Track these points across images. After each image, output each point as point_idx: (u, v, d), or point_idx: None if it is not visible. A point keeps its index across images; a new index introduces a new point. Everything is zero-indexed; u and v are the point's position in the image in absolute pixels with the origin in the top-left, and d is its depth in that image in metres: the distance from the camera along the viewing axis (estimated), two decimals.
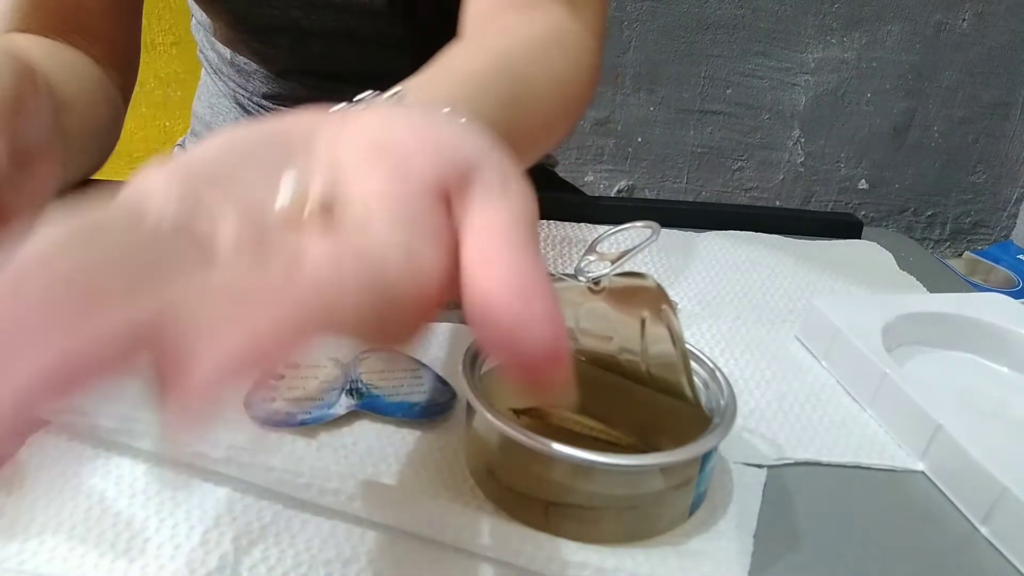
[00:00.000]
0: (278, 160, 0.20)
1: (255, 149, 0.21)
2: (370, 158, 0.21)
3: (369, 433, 0.33)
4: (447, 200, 0.20)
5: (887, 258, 0.57)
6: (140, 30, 0.63)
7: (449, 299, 0.20)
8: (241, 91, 0.72)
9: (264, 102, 0.71)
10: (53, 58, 0.51)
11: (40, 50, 0.51)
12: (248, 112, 0.72)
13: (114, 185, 0.56)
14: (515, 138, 0.35)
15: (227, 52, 0.70)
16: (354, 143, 0.21)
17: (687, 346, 0.31)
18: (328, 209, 0.19)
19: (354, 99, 0.25)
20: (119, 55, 0.57)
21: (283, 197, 0.20)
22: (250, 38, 0.66)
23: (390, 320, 0.18)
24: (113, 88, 0.56)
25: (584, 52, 0.50)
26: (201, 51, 0.75)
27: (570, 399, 0.19)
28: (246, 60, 0.69)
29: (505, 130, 0.33)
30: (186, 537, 0.28)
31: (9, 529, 0.27)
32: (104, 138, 0.55)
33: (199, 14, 0.70)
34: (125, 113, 0.59)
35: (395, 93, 0.28)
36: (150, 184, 0.19)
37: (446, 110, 0.26)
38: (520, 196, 0.21)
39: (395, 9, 0.35)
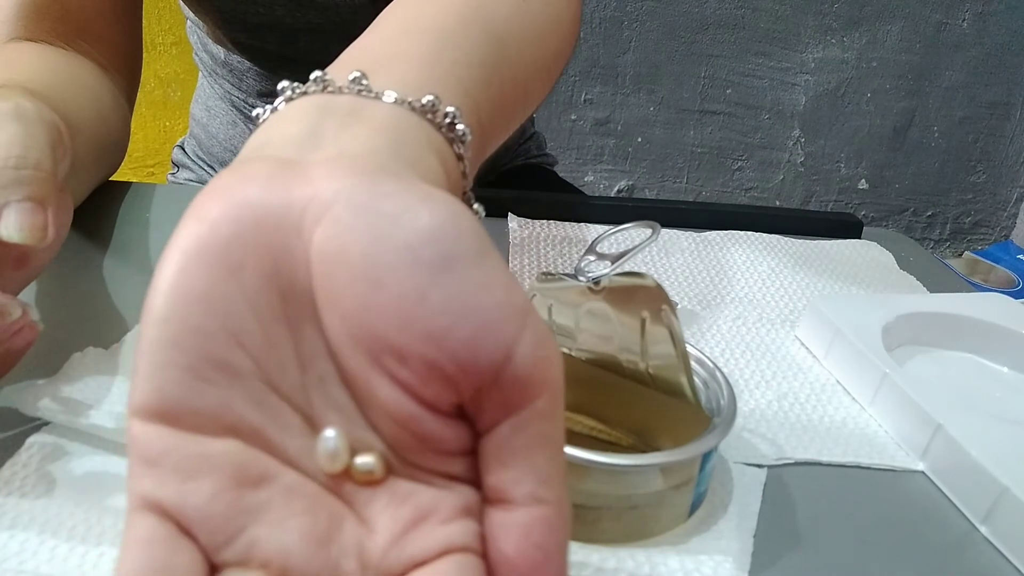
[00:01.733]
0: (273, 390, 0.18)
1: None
2: (367, 359, 0.18)
3: None
4: (452, 406, 0.18)
5: (887, 258, 0.57)
6: (141, 32, 0.63)
7: None
8: (236, 92, 0.72)
9: (258, 102, 0.71)
10: (61, 75, 0.51)
11: (47, 66, 0.51)
12: (243, 113, 0.72)
13: (117, 186, 0.56)
14: (498, 106, 0.34)
15: (220, 52, 0.70)
16: (340, 315, 0.18)
17: (687, 346, 0.31)
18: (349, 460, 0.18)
19: (306, 82, 0.24)
20: (123, 58, 0.57)
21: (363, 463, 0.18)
22: (239, 36, 0.66)
23: None
24: (120, 96, 0.56)
25: (565, 8, 0.47)
26: (196, 53, 0.75)
27: None
28: (239, 59, 0.69)
29: (488, 100, 0.31)
30: None
31: (9, 529, 0.27)
32: (113, 151, 0.55)
33: (192, 16, 0.70)
34: (131, 117, 0.60)
35: (355, 79, 0.24)
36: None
37: (428, 98, 0.24)
38: (551, 416, 0.18)
39: (377, 6, 0.34)
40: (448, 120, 0.25)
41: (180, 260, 0.17)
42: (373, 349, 0.17)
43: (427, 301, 0.17)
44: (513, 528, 0.17)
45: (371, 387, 0.18)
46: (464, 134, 0.26)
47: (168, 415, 0.17)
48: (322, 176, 0.19)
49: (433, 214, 0.18)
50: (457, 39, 0.31)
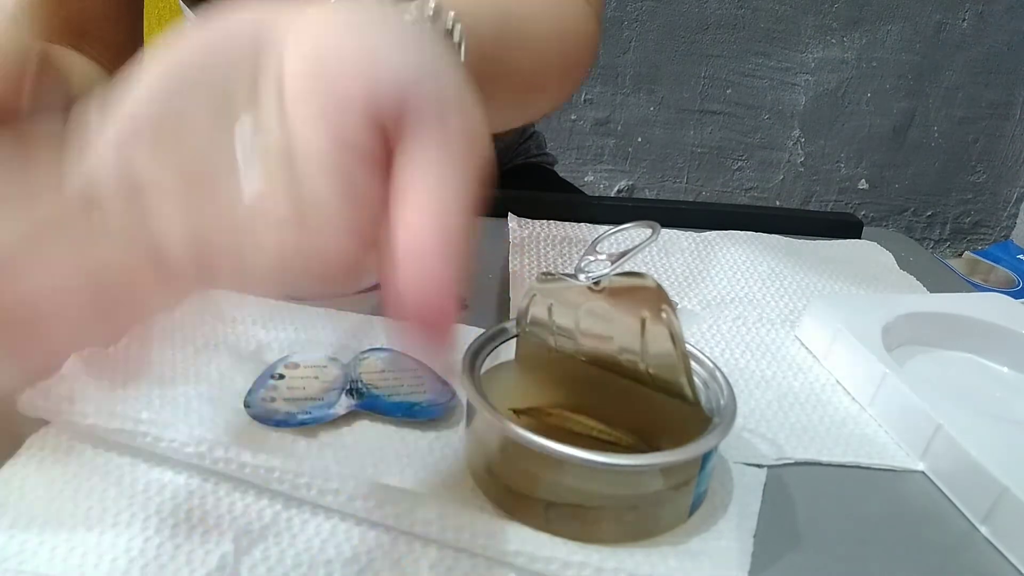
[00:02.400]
0: (220, 106, 0.20)
1: (197, 88, 0.20)
2: (307, 88, 0.20)
3: (369, 433, 0.33)
4: (383, 131, 0.20)
5: (887, 258, 0.57)
6: (142, 34, 0.64)
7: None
8: None
9: None
10: (74, 67, 0.51)
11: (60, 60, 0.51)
12: None
13: None
14: (504, 64, 0.34)
15: None
16: (294, 65, 0.20)
17: (687, 346, 0.31)
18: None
19: None
20: (124, 61, 0.57)
21: (247, 189, 0.20)
22: None
23: (314, 271, 0.20)
24: None
25: (584, 18, 0.49)
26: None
27: (448, 354, 0.20)
28: None
29: (493, 49, 0.31)
30: (186, 537, 0.28)
31: (9, 529, 0.27)
32: None
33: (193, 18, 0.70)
34: None
35: None
36: (96, 165, 0.19)
37: (431, 5, 0.24)
38: (457, 135, 0.20)
39: None
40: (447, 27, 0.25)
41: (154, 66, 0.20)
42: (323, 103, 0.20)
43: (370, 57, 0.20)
44: (410, 212, 0.19)
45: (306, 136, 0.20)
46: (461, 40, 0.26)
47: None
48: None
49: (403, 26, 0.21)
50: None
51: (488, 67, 0.30)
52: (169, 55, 0.21)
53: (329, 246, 0.20)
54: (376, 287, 0.45)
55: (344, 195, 0.19)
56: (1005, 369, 0.44)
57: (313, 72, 0.20)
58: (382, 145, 0.20)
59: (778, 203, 1.94)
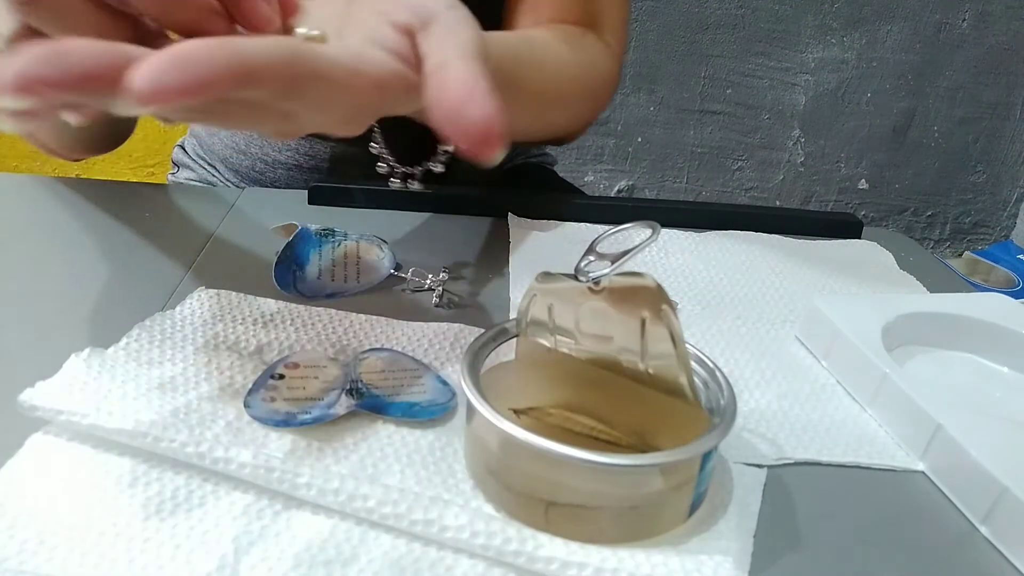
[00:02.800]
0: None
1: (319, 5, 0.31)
2: (369, 11, 0.30)
3: (369, 433, 0.33)
4: (411, 35, 0.29)
5: (887, 258, 0.57)
6: None
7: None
8: None
9: None
10: None
11: None
12: None
13: (117, 185, 0.56)
14: (518, 77, 0.43)
15: None
16: (363, 6, 0.31)
17: (687, 346, 0.31)
18: (319, 39, 0.29)
19: None
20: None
21: (302, 32, 0.29)
22: None
23: (361, 87, 0.27)
24: None
25: (603, 56, 0.57)
26: None
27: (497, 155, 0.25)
28: None
29: (510, 63, 0.41)
30: (186, 537, 0.28)
31: (9, 529, 0.27)
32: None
33: None
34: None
35: None
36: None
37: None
38: (468, 30, 0.28)
39: None
40: None
41: None
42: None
43: None
44: (447, 74, 0.26)
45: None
46: None
47: None
48: None
49: None
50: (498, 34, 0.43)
51: (503, 76, 0.38)
52: None
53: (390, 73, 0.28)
54: (394, 277, 0.45)
55: (381, 45, 0.29)
56: (1005, 369, 0.44)
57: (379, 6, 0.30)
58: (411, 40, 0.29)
59: (778, 203, 1.94)
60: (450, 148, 0.43)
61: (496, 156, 0.25)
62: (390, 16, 0.29)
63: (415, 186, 0.43)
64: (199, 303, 0.41)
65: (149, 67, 0.21)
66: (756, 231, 0.58)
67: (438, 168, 0.44)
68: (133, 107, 0.22)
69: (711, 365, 0.33)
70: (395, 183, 0.48)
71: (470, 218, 0.56)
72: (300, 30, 0.29)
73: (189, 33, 0.28)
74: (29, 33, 0.27)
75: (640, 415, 0.32)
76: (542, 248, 0.52)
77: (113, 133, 0.56)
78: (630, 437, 0.32)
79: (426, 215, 0.56)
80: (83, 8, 0.27)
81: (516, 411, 0.32)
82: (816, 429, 0.37)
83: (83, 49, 0.22)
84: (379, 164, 0.43)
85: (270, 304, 0.42)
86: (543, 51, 0.53)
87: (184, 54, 0.22)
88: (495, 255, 0.51)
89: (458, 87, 0.25)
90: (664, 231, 0.56)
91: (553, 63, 0.53)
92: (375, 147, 0.45)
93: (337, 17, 0.31)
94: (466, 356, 0.32)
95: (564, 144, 0.64)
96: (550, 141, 0.63)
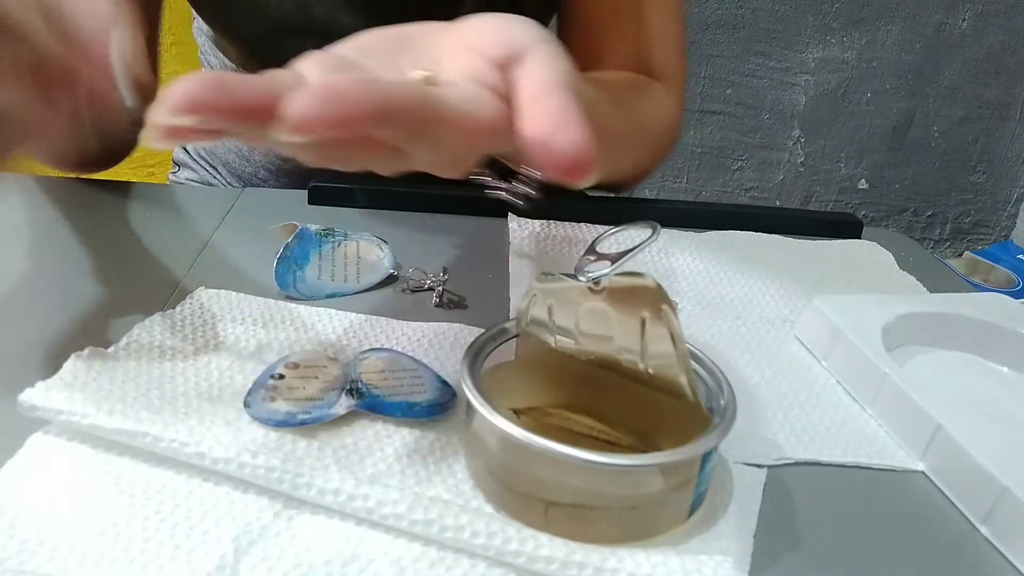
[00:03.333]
0: (399, 53, 0.31)
1: (384, 46, 0.31)
2: (463, 45, 0.30)
3: (369, 433, 0.33)
4: (504, 68, 0.29)
5: (887, 258, 0.57)
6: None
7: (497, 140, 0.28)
8: None
9: None
10: None
11: None
12: None
13: (117, 186, 0.56)
14: (598, 121, 0.42)
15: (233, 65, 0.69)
16: (451, 41, 0.31)
17: (687, 346, 0.31)
18: (433, 80, 0.29)
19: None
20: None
21: (413, 75, 0.30)
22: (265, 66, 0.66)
23: (476, 130, 0.27)
24: None
25: (668, 105, 0.62)
26: (202, 54, 0.74)
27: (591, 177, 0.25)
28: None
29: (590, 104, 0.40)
30: (186, 537, 0.28)
31: (9, 529, 0.27)
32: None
33: (199, 20, 0.70)
34: None
35: None
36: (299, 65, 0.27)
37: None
38: (561, 63, 0.29)
39: None
40: None
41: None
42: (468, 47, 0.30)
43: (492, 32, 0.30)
44: (540, 104, 0.26)
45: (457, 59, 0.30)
46: None
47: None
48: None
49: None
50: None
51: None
52: (364, 35, 0.31)
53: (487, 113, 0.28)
54: (394, 277, 0.45)
55: (481, 86, 0.28)
56: (1005, 369, 0.44)
57: (466, 42, 0.31)
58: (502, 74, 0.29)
59: (778, 203, 1.94)
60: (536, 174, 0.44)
61: (587, 182, 0.25)
62: (484, 51, 0.29)
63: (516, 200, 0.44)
64: (199, 303, 0.41)
65: (302, 101, 0.23)
66: (756, 231, 0.58)
67: (529, 189, 0.46)
68: (285, 135, 0.23)
69: (711, 365, 0.33)
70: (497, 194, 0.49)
71: (470, 218, 0.56)
72: (415, 73, 0.29)
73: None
74: None
75: (640, 415, 0.32)
76: (542, 248, 0.52)
77: (116, 152, 0.56)
78: (630, 437, 0.32)
79: (426, 215, 0.56)
80: None
81: (516, 411, 0.32)
82: (816, 429, 0.37)
83: (248, 82, 0.24)
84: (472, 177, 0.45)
85: (270, 304, 0.42)
86: (621, 95, 0.55)
87: (337, 88, 0.23)
88: (495, 255, 0.51)
89: (550, 115, 0.26)
90: (664, 231, 0.56)
91: (630, 107, 0.56)
92: (479, 178, 0.46)
93: (433, 47, 0.31)
94: (466, 356, 0.32)
95: (623, 191, 0.66)
96: (615, 185, 0.65)
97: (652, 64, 0.62)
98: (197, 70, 0.80)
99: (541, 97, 0.27)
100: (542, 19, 0.69)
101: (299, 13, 0.58)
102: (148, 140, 0.24)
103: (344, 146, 0.26)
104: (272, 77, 0.25)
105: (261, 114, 0.23)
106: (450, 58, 0.30)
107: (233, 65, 0.69)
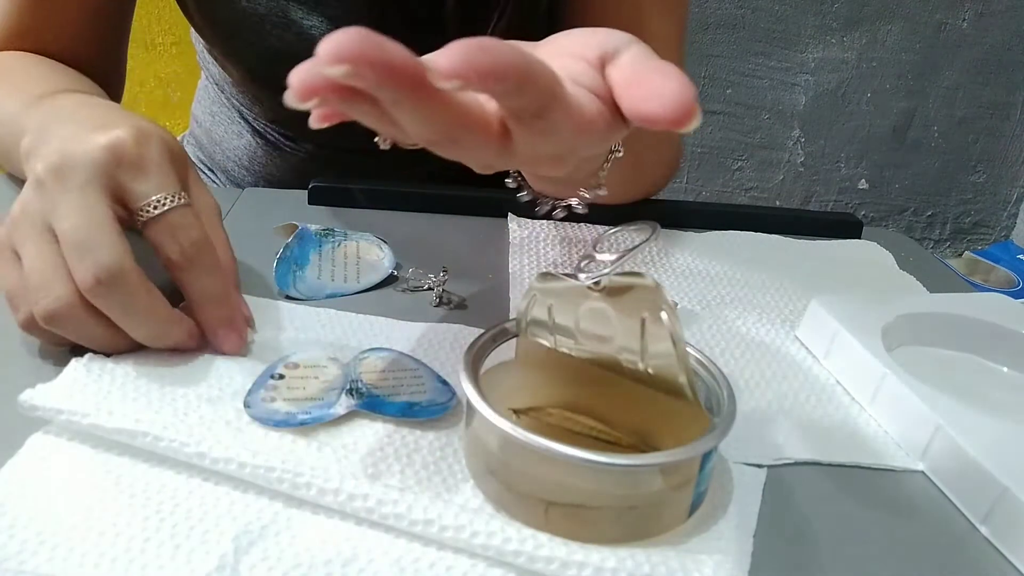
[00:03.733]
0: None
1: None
2: (560, 52, 0.31)
3: (369, 433, 0.33)
4: (602, 66, 0.30)
5: (887, 258, 0.57)
6: (125, 57, 0.63)
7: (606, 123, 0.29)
8: (246, 110, 0.70)
9: (269, 126, 0.70)
10: (86, 80, 0.53)
11: (72, 74, 0.53)
12: (251, 125, 0.71)
13: None
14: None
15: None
16: (544, 54, 0.30)
17: (687, 346, 0.31)
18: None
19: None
20: (101, 80, 0.57)
21: None
22: (260, 92, 0.65)
23: (572, 124, 0.28)
24: None
25: (669, 140, 0.62)
26: (201, 56, 0.74)
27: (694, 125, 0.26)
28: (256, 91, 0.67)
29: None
30: (186, 537, 0.28)
31: (9, 529, 0.27)
32: None
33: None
34: None
35: None
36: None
37: None
38: (649, 54, 0.30)
39: None
40: None
41: None
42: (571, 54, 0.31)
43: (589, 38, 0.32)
44: (643, 71, 0.28)
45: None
46: None
47: None
48: None
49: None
50: None
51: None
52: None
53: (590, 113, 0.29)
54: (394, 277, 0.45)
55: (584, 84, 0.30)
56: (1005, 369, 0.44)
57: (564, 48, 0.31)
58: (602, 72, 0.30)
59: (778, 203, 1.94)
60: (568, 203, 0.46)
61: (694, 125, 0.26)
62: (582, 54, 0.30)
63: (560, 214, 0.45)
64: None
65: (456, 48, 0.23)
66: (756, 231, 0.58)
67: (580, 207, 0.47)
68: (438, 81, 0.23)
69: (711, 365, 0.33)
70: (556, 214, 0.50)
71: (470, 218, 0.56)
72: None
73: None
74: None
75: (640, 415, 0.32)
76: (542, 248, 0.52)
77: None
78: (630, 437, 0.32)
79: (426, 215, 0.56)
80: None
81: (516, 411, 0.32)
82: (816, 429, 0.37)
83: (396, 46, 0.24)
84: (520, 194, 0.46)
85: (270, 304, 0.42)
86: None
87: (485, 43, 0.24)
88: (495, 255, 0.51)
89: (655, 74, 0.28)
90: (664, 231, 0.56)
91: (640, 143, 0.55)
92: (509, 181, 0.47)
93: None
94: (466, 356, 0.32)
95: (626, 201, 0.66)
96: (619, 199, 0.65)
97: None
98: (197, 70, 0.80)
99: (638, 70, 0.29)
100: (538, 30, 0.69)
101: (300, 43, 0.59)
102: (288, 99, 0.24)
103: (468, 126, 0.27)
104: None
105: (409, 74, 0.23)
106: (556, 64, 0.31)
107: (231, 80, 0.69)
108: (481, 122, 0.27)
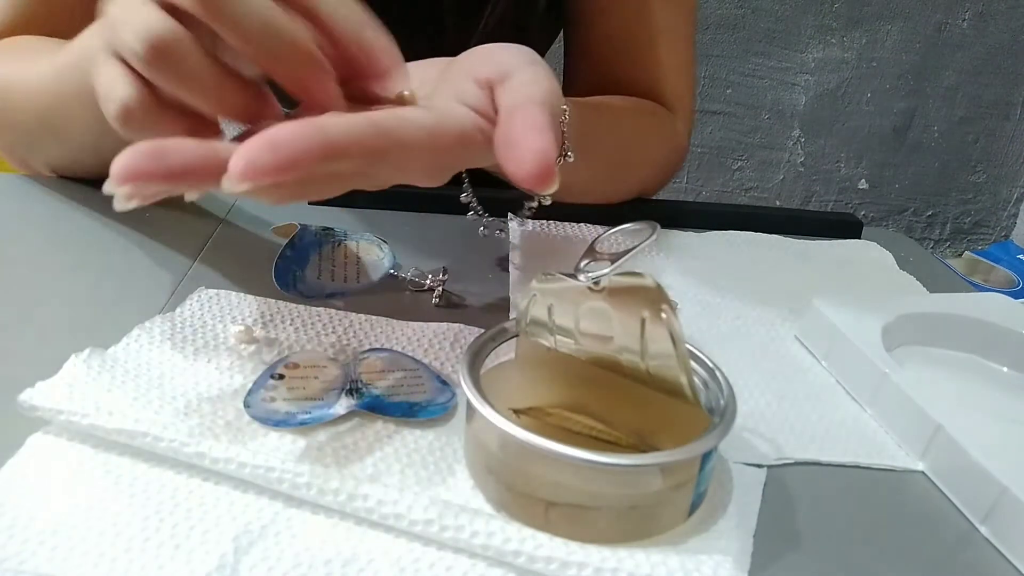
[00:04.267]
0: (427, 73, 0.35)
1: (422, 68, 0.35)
2: (459, 71, 0.33)
3: (369, 433, 0.33)
4: (491, 88, 0.32)
5: (887, 258, 0.57)
6: None
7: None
8: None
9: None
10: None
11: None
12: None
13: None
14: (593, 138, 0.47)
15: None
16: (458, 67, 0.34)
17: (687, 346, 0.31)
18: (409, 99, 0.32)
19: None
20: None
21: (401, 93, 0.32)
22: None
23: (441, 146, 0.30)
24: None
25: (673, 127, 0.62)
26: None
27: (552, 188, 0.28)
28: None
29: (587, 126, 0.44)
30: (186, 537, 0.28)
31: (9, 529, 0.27)
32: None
33: None
34: None
35: None
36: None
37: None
38: (543, 82, 0.31)
39: None
40: None
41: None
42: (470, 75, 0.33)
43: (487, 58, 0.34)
44: (513, 114, 0.29)
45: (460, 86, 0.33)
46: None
47: None
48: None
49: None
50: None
51: (578, 135, 0.40)
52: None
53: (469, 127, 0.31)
54: (394, 277, 0.45)
55: (462, 102, 0.32)
56: (1005, 369, 0.44)
57: (464, 65, 0.34)
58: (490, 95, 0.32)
59: (778, 203, 1.94)
60: (535, 203, 0.48)
61: (550, 189, 0.27)
62: (476, 74, 0.32)
63: (502, 235, 0.46)
64: (199, 303, 0.41)
65: (245, 150, 0.24)
66: (756, 231, 0.58)
67: (525, 219, 0.48)
68: (233, 187, 0.24)
69: (711, 365, 0.33)
70: (484, 232, 0.52)
71: (470, 218, 0.56)
72: (402, 91, 0.32)
73: (293, 86, 0.30)
74: (146, 98, 0.29)
75: (640, 415, 0.32)
76: (542, 248, 0.52)
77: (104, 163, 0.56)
78: (630, 437, 0.32)
79: (426, 215, 0.56)
80: (206, 69, 0.29)
81: (516, 411, 0.32)
82: (816, 429, 0.37)
83: (182, 146, 0.25)
84: (469, 213, 0.48)
85: (270, 304, 0.42)
86: (618, 117, 0.57)
87: (274, 137, 0.25)
88: (495, 255, 0.51)
89: (520, 124, 0.29)
90: (664, 231, 0.56)
91: (627, 129, 0.57)
92: (465, 197, 0.48)
93: (437, 77, 0.34)
94: (466, 356, 0.32)
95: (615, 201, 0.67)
96: (601, 200, 0.66)
97: (663, 93, 0.62)
98: None
99: (514, 110, 0.29)
100: (542, 44, 0.69)
101: None
102: (116, 205, 0.25)
103: (301, 184, 0.28)
104: (208, 142, 0.26)
105: (203, 173, 0.25)
106: (451, 82, 0.33)
107: None
108: (322, 177, 0.28)
